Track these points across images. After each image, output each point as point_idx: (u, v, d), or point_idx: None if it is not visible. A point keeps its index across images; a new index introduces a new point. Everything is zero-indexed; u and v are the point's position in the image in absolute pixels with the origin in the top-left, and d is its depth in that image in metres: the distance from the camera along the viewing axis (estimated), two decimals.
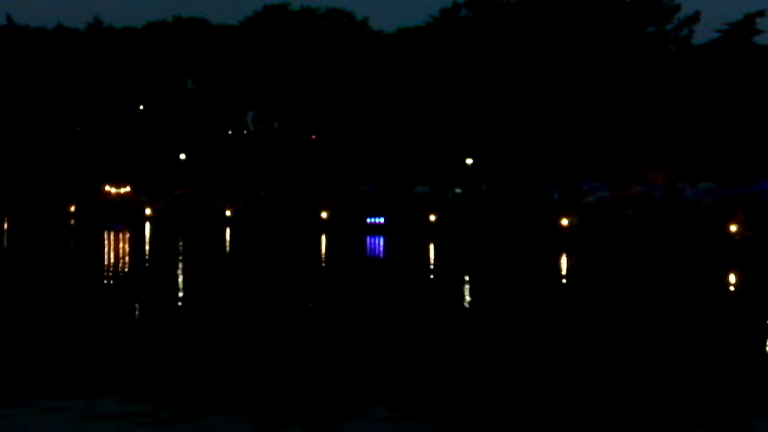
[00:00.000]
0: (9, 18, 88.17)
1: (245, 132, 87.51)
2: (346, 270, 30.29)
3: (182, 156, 78.52)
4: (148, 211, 68.06)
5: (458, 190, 54.30)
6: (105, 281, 26.34)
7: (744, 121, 57.05)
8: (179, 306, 21.06)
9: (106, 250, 38.73)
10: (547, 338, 16.15)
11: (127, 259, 34.11)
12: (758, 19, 62.84)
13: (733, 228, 35.96)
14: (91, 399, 11.66)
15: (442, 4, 73.15)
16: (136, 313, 19.83)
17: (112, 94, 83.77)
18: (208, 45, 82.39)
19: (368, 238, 45.80)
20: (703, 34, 65.95)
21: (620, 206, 42.92)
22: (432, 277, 28.36)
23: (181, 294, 23.46)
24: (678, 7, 67.01)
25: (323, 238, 46.02)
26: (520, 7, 68.49)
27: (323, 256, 37.34)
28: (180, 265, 31.63)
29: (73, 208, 72.67)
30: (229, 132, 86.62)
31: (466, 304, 21.57)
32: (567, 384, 12.55)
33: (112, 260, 33.26)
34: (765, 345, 15.98)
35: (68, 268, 30.26)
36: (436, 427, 10.70)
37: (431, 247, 40.18)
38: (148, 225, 60.88)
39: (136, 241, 44.88)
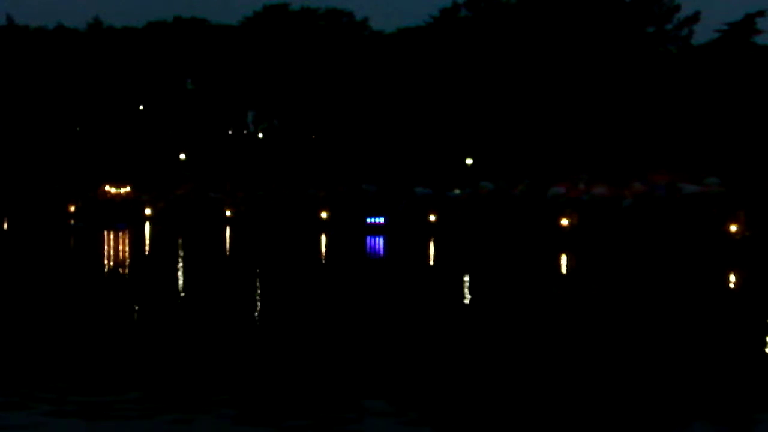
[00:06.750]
0: (9, 18, 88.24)
1: (245, 132, 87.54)
2: (346, 270, 30.29)
3: (182, 156, 78.54)
4: (148, 211, 68.08)
5: (458, 191, 54.28)
6: (104, 281, 26.35)
7: (744, 121, 57.09)
8: (179, 305, 21.06)
9: (105, 249, 38.74)
10: (547, 337, 16.15)
11: (127, 259, 34.11)
12: (758, 19, 62.93)
13: (733, 228, 35.99)
14: (90, 399, 11.66)
15: (442, 4, 73.25)
16: (136, 312, 19.83)
17: (112, 94, 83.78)
18: (208, 45, 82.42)
19: (368, 238, 45.81)
20: (703, 34, 66.04)
21: (618, 200, 43.05)
22: (431, 277, 28.37)
23: (180, 294, 23.45)
24: (678, 7, 67.09)
25: (323, 238, 46.03)
26: (520, 7, 68.52)
27: (323, 256, 37.34)
28: (180, 265, 31.63)
29: (73, 208, 72.71)
30: (229, 132, 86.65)
31: (466, 304, 21.57)
32: (567, 383, 12.55)
33: (112, 260, 33.27)
34: (765, 345, 15.98)
35: (68, 267, 30.27)
36: (437, 426, 10.70)
37: (431, 246, 40.19)
38: (148, 225, 60.89)
39: (136, 241, 44.89)
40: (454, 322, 18.13)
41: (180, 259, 34.09)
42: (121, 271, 29.25)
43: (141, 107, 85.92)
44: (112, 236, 46.91)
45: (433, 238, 43.98)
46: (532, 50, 65.31)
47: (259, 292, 23.37)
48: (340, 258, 35.82)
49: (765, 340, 16.39)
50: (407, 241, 43.70)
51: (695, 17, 66.86)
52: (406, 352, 14.80)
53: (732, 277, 27.30)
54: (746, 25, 62.82)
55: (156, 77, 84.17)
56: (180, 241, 44.99)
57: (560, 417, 10.93)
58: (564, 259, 33.85)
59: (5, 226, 58.98)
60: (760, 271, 29.14)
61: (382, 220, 51.85)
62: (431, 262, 33.88)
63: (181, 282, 26.29)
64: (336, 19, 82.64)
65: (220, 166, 76.81)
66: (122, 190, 77.68)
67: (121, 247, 40.17)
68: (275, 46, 79.04)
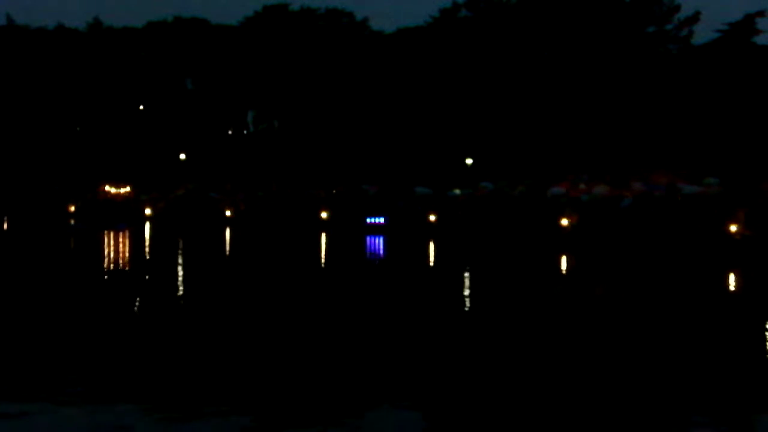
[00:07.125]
0: (9, 18, 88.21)
1: (245, 132, 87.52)
2: (346, 270, 30.29)
3: (182, 156, 78.52)
4: (148, 211, 68.07)
5: (458, 191, 54.27)
6: (104, 281, 26.35)
7: (744, 121, 57.10)
8: (179, 306, 21.06)
9: (106, 250, 38.73)
10: (547, 337, 16.15)
11: (127, 259, 34.11)
12: (758, 19, 62.96)
13: (733, 228, 35.99)
14: (91, 399, 11.66)
15: (442, 4, 73.26)
16: (136, 313, 19.84)
17: (112, 94, 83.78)
18: (208, 45, 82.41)
19: (368, 238, 45.80)
20: (703, 34, 66.05)
21: (618, 201, 43.10)
22: (431, 277, 28.37)
23: (181, 294, 23.46)
24: (678, 7, 67.12)
25: (323, 238, 46.02)
26: (520, 7, 68.53)
27: (323, 256, 37.34)
28: (180, 265, 31.63)
29: (73, 208, 72.70)
30: (229, 132, 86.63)
31: (466, 304, 21.57)
32: (567, 382, 12.56)
33: (112, 260, 33.27)
34: (765, 345, 15.99)
35: (68, 268, 30.26)
36: (437, 425, 10.70)
37: (431, 246, 40.19)
38: (148, 225, 60.88)
39: (136, 241, 44.88)
40: (455, 323, 18.13)
41: (180, 260, 34.09)
42: (121, 271, 29.24)
43: (141, 107, 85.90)
44: (112, 236, 46.90)
45: (433, 238, 43.97)
46: (532, 50, 65.31)
47: (259, 292, 23.36)
48: (340, 258, 35.81)
49: (765, 340, 16.40)
50: (407, 241, 43.70)
51: (695, 17, 66.88)
52: (406, 353, 14.80)
53: (732, 278, 27.31)
54: (746, 25, 62.84)
55: (156, 77, 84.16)
56: (180, 241, 44.97)
57: (561, 417, 10.94)
58: (564, 259, 33.84)
59: (5, 226, 58.96)
60: (760, 271, 29.14)
61: (382, 220, 51.85)
62: (431, 262, 33.88)
63: (181, 283, 26.29)
64: (336, 19, 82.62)
65: (220, 166, 76.79)
66: (122, 190, 77.64)
67: (121, 248, 40.16)
68: (275, 46, 79.04)
